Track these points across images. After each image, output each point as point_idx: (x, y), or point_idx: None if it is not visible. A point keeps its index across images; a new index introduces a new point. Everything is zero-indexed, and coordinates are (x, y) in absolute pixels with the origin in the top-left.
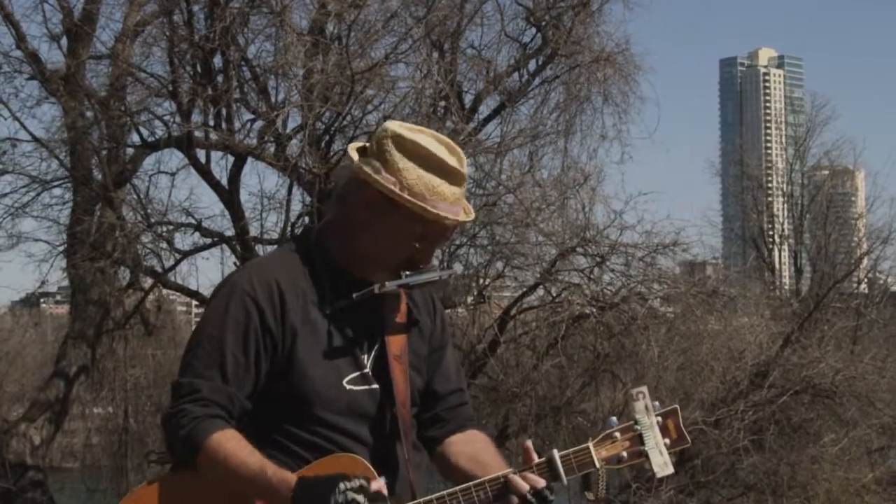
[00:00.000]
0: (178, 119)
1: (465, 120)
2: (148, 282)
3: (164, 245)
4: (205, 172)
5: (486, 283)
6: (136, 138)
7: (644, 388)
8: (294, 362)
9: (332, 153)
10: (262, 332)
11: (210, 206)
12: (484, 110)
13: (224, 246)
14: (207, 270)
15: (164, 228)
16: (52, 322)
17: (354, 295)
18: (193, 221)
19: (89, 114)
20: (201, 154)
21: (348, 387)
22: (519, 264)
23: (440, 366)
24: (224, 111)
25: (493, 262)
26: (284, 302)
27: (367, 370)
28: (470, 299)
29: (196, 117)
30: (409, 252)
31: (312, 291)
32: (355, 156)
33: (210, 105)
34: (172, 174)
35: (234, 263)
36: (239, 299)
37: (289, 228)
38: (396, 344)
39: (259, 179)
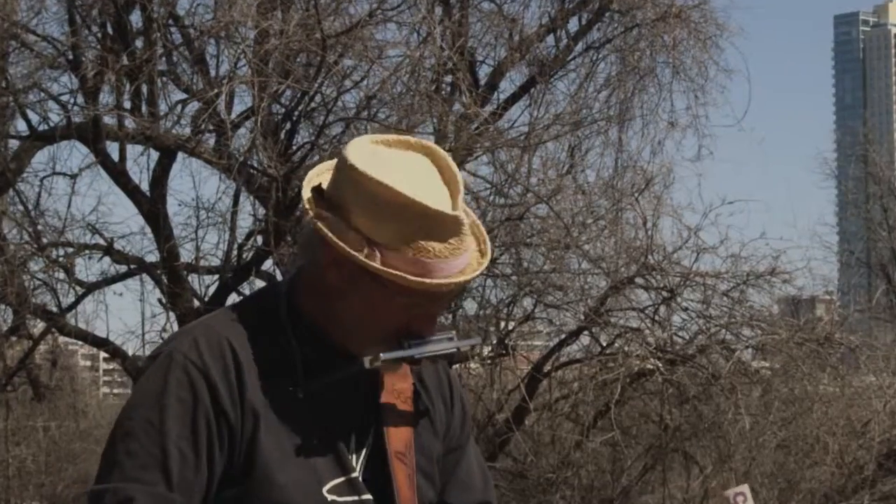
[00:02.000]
0: (80, 100)
1: (481, 101)
2: (39, 326)
3: (62, 275)
4: (118, 174)
5: (510, 327)
6: (21, 126)
7: (745, 489)
8: (256, 462)
9: (294, 147)
10: (217, 418)
11: (125, 220)
12: (506, 88)
13: (145, 276)
14: (121, 310)
15: (62, 252)
16: None
17: (337, 373)
18: (102, 242)
19: None
20: (113, 149)
21: (330, 497)
22: (555, 301)
23: (457, 470)
24: (145, 89)
25: (520, 299)
26: (242, 376)
27: (355, 474)
28: (487, 350)
29: (106, 97)
30: (401, 322)
31: (281, 364)
32: (309, 197)
33: (125, 80)
34: (73, 176)
35: (160, 301)
36: (182, 372)
37: (235, 252)
38: (399, 438)
39: (194, 184)
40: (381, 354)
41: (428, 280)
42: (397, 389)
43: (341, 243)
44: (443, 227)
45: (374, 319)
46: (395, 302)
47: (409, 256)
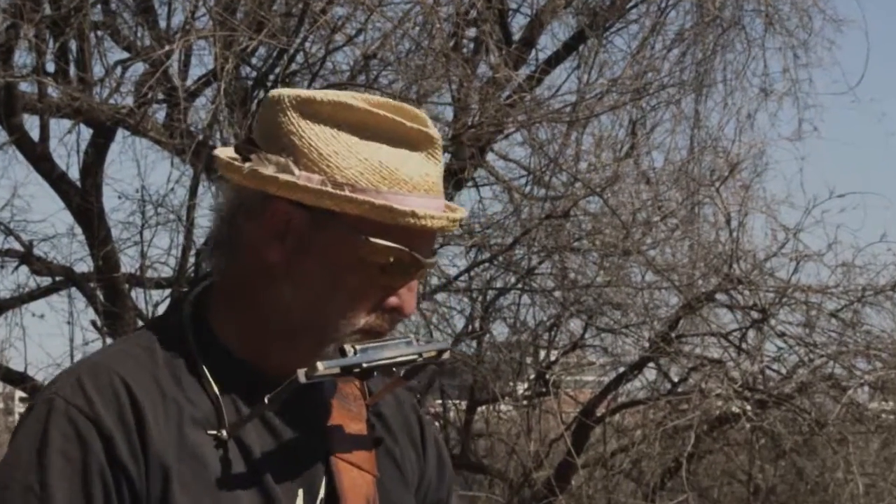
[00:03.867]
0: None
1: (514, 62)
2: None
3: None
4: (38, 158)
5: (553, 358)
6: None
7: None
8: None
9: None
10: (114, 476)
11: (48, 217)
12: (548, 45)
13: (74, 291)
14: (43, 335)
15: None
16: None
17: (267, 397)
18: (18, 246)
19: None
20: (32, 125)
21: None
22: (612, 324)
23: None
24: (74, 46)
25: (565, 321)
26: (144, 420)
27: None
28: (522, 388)
29: (23, 58)
30: (373, 299)
31: (195, 403)
32: (233, 158)
33: (48, 35)
34: None
35: (93, 323)
36: (65, 421)
37: (191, 258)
38: (357, 492)
39: (138, 170)
40: (319, 363)
41: (418, 210)
42: (351, 433)
43: (296, 180)
44: (418, 143)
45: (337, 294)
46: (366, 260)
47: (384, 189)
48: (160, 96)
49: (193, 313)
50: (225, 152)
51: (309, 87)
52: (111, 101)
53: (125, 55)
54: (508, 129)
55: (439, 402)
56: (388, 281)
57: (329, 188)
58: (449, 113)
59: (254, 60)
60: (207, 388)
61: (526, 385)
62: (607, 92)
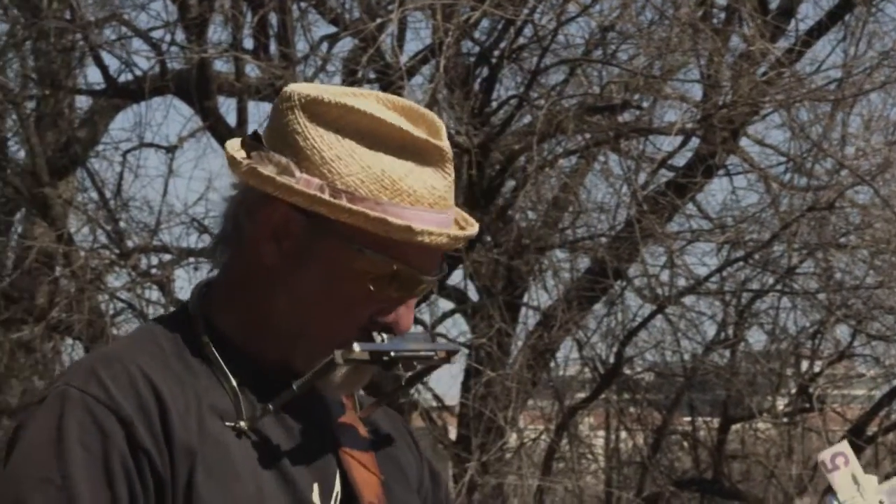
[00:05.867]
0: (179, 37)
1: (771, 34)
2: None
3: (155, 294)
4: None
5: (817, 369)
6: (94, 76)
7: (845, 448)
8: None
9: (493, 103)
10: (137, 464)
11: None
12: (809, 14)
13: None
14: None
15: (155, 259)
16: None
17: (296, 384)
18: None
19: None
20: (228, 108)
21: None
22: (884, 331)
23: None
24: (274, 20)
25: (830, 327)
26: (165, 406)
27: None
28: (782, 403)
29: (217, 33)
30: (367, 312)
31: (211, 395)
32: (238, 153)
33: (246, 8)
34: (170, 149)
35: None
36: (83, 412)
37: None
38: (371, 489)
39: None
40: (356, 345)
41: (413, 223)
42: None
43: (294, 183)
44: (426, 156)
45: (331, 303)
46: (362, 271)
47: (385, 199)
48: (372, 75)
49: (200, 307)
50: (232, 146)
51: (538, 63)
52: (317, 80)
53: (332, 29)
54: (765, 110)
55: (688, 419)
56: (383, 295)
57: (326, 195)
58: (697, 91)
59: (476, 34)
60: (223, 379)
61: (786, 400)
62: (878, 66)
